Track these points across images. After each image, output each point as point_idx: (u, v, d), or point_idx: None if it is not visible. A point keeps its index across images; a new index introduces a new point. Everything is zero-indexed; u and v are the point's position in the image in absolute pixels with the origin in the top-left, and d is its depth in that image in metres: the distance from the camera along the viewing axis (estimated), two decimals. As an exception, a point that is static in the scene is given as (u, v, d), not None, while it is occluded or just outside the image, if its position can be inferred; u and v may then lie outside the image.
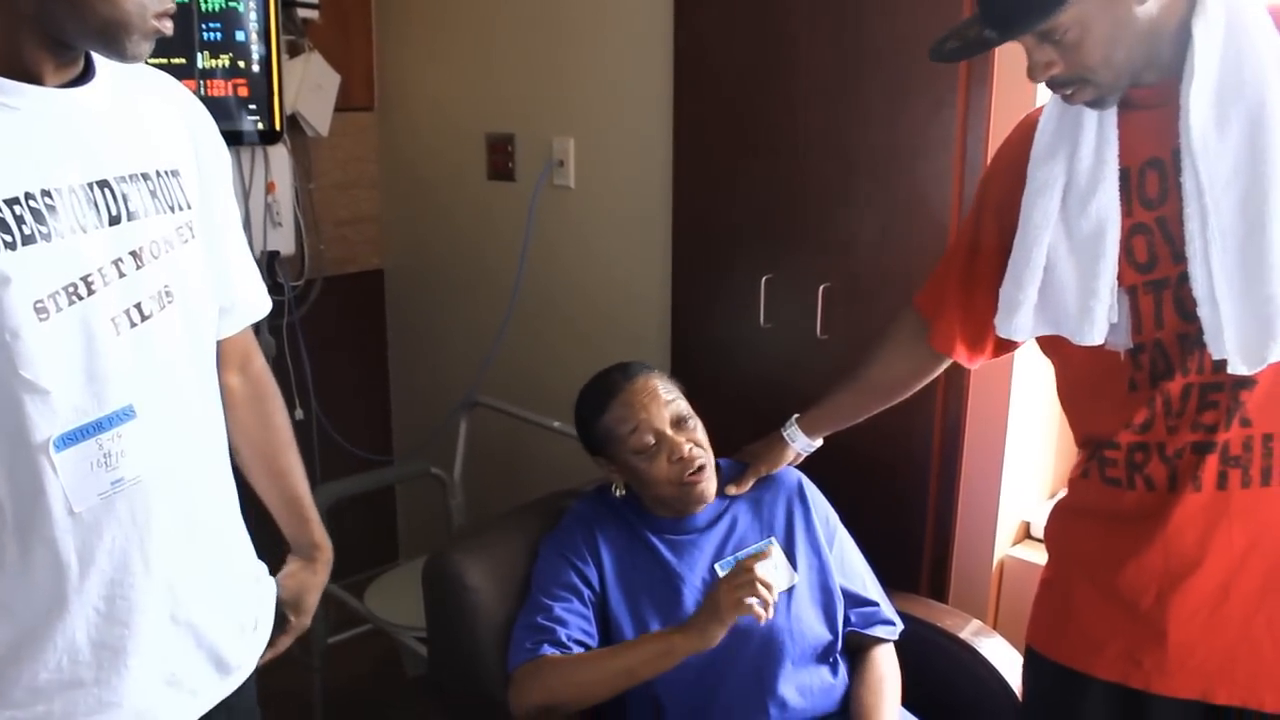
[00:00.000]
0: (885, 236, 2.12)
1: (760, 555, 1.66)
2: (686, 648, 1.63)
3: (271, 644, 1.48)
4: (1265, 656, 1.33)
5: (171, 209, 1.22)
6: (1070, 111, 1.37)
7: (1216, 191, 1.23)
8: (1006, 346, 1.62)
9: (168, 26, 1.11)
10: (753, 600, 1.56)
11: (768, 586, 1.57)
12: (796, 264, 2.26)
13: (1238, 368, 1.25)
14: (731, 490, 1.89)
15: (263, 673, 1.47)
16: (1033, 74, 1.31)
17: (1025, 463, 2.21)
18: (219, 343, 1.39)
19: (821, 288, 2.21)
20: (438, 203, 3.29)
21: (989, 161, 1.60)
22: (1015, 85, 1.97)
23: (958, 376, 2.04)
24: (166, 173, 1.23)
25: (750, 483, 1.91)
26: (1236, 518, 1.32)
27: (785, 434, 1.91)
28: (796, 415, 1.91)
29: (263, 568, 1.48)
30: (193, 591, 1.27)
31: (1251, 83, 1.22)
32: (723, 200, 2.39)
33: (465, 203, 3.18)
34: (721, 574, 1.79)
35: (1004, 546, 2.22)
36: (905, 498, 2.20)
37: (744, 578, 1.58)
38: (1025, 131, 1.47)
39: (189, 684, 1.28)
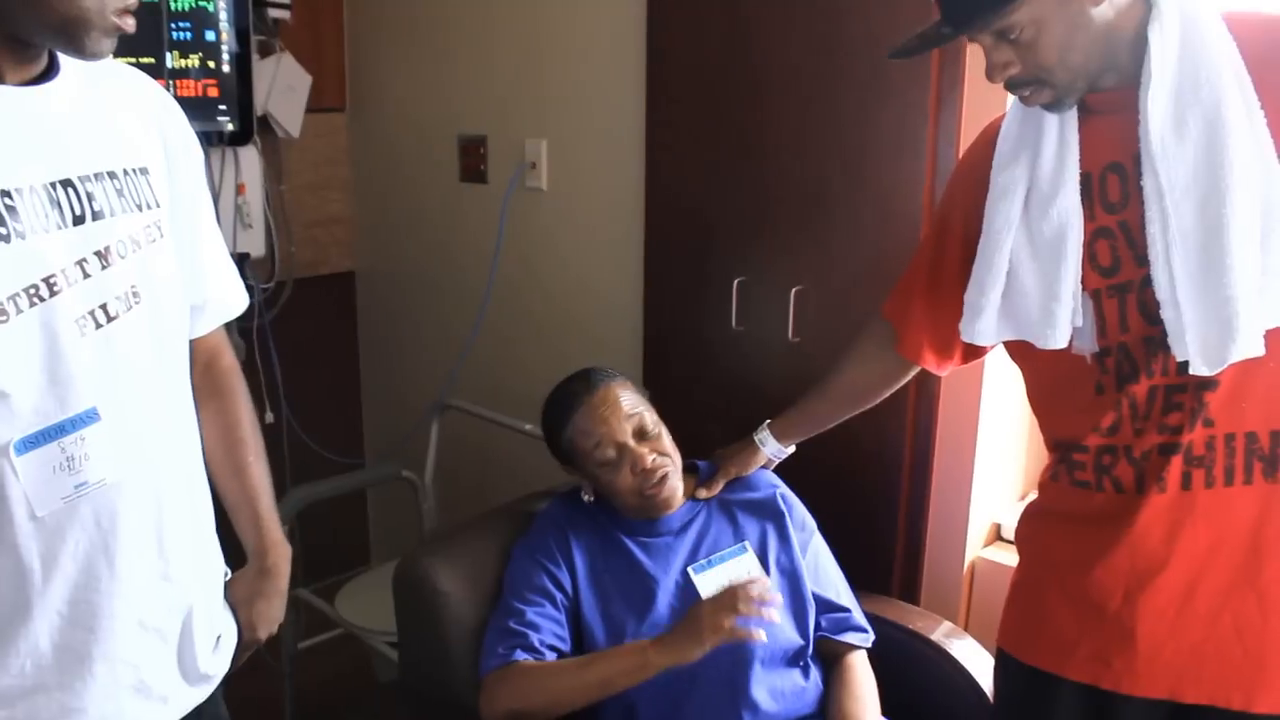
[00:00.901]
0: (857, 239, 2.12)
1: (744, 581, 1.64)
2: (661, 664, 1.62)
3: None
4: (1231, 655, 1.34)
5: (139, 208, 1.21)
6: (1031, 117, 1.39)
7: (1177, 194, 1.25)
8: (975, 353, 1.63)
9: (129, 24, 1.10)
10: (739, 621, 1.56)
11: (761, 600, 1.57)
12: (769, 267, 2.26)
13: (1199, 369, 1.26)
14: (702, 493, 1.89)
15: (232, 677, 1.45)
16: (991, 74, 1.32)
17: (996, 464, 2.22)
18: (190, 341, 1.37)
19: (794, 290, 2.21)
20: (410, 205, 3.27)
21: (954, 170, 1.61)
22: (987, 88, 1.97)
23: (929, 380, 2.05)
24: (135, 171, 1.22)
25: (720, 485, 1.91)
26: (1201, 518, 1.33)
27: (757, 439, 1.92)
28: (769, 421, 1.92)
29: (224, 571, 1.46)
30: (162, 597, 1.26)
31: (1207, 86, 1.23)
32: (695, 203, 2.39)
33: (437, 205, 3.17)
34: (695, 577, 1.80)
35: (975, 548, 2.23)
36: (877, 500, 2.20)
37: (728, 601, 1.58)
38: (988, 138, 1.49)
39: (159, 691, 1.27)
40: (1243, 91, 1.23)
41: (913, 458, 2.16)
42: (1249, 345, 1.24)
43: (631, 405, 1.83)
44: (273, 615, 1.51)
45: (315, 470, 3.17)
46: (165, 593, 1.25)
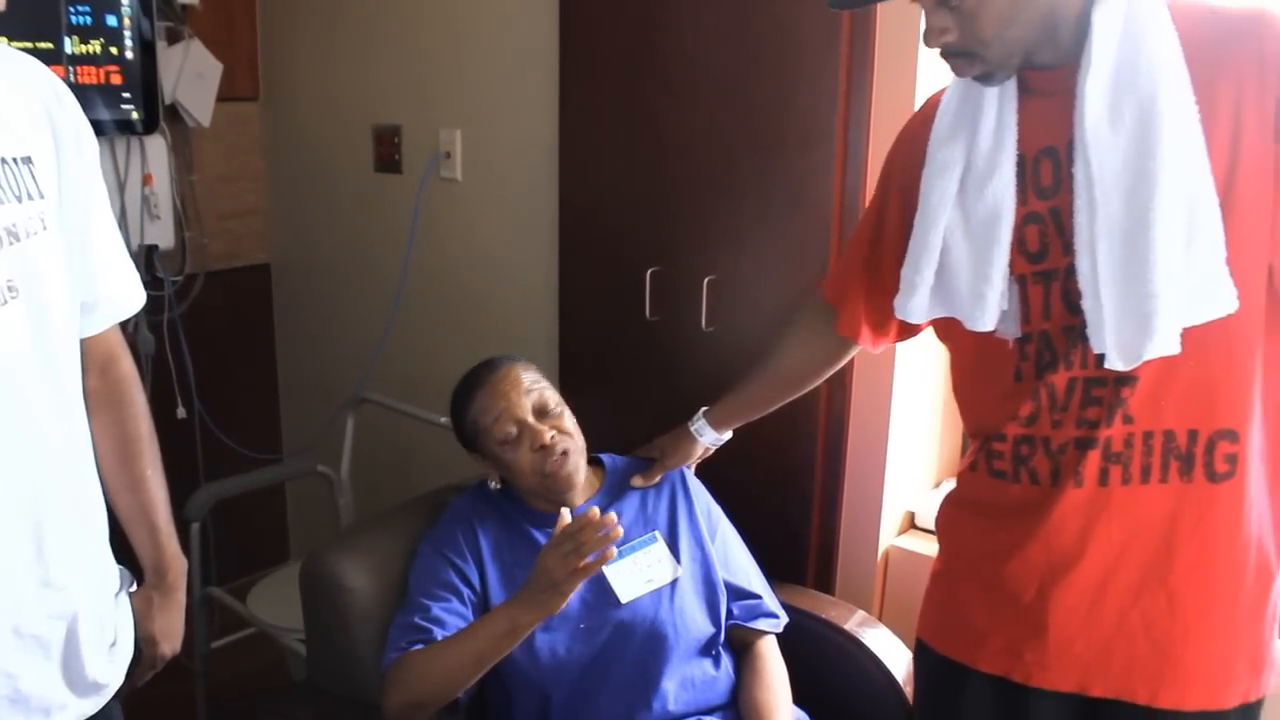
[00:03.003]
0: (769, 227, 2.12)
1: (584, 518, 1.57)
2: (528, 621, 1.60)
3: (129, 675, 1.40)
4: (1139, 650, 1.35)
5: (19, 198, 1.16)
6: (972, 93, 1.36)
7: (1106, 184, 1.23)
8: (909, 331, 1.60)
9: None
10: (585, 560, 1.53)
11: (587, 540, 1.53)
12: (681, 257, 2.25)
13: (1115, 363, 1.26)
14: (638, 482, 1.89)
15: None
16: (927, 39, 1.29)
17: (909, 453, 2.23)
18: (82, 342, 1.32)
19: (706, 280, 2.20)
20: (324, 195, 3.22)
21: (893, 142, 1.57)
22: (896, 75, 1.99)
23: (842, 368, 2.04)
24: (16, 160, 1.17)
25: (658, 476, 1.90)
26: (1116, 514, 1.33)
27: (693, 429, 1.88)
28: (705, 409, 1.89)
29: (128, 578, 1.42)
30: (42, 604, 1.21)
31: (1146, 75, 1.21)
32: (609, 193, 2.38)
33: (352, 195, 3.13)
34: (605, 568, 1.77)
35: (889, 537, 2.24)
36: (791, 489, 2.20)
37: (567, 545, 1.54)
38: (928, 113, 1.45)
39: (38, 702, 1.22)
40: (1180, 84, 1.21)
41: (826, 446, 2.16)
42: (1165, 343, 1.23)
43: (532, 382, 1.82)
44: (176, 630, 1.49)
45: (230, 466, 3.11)
46: (45, 599, 1.21)
